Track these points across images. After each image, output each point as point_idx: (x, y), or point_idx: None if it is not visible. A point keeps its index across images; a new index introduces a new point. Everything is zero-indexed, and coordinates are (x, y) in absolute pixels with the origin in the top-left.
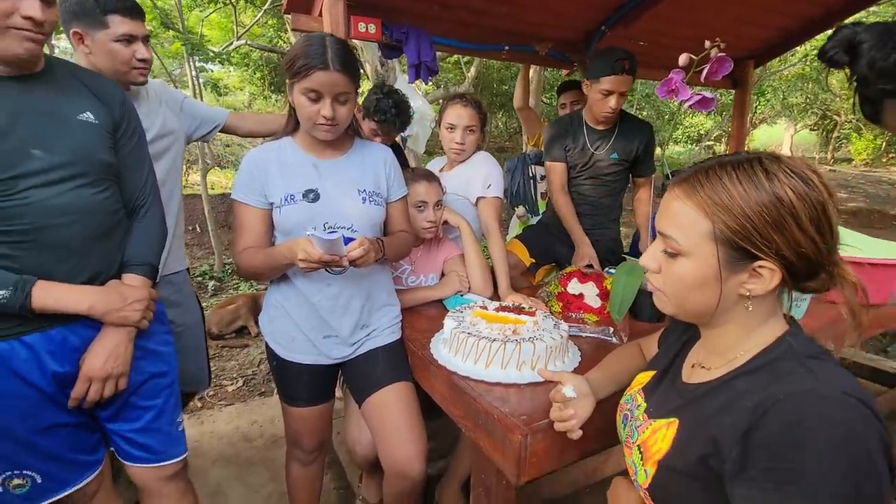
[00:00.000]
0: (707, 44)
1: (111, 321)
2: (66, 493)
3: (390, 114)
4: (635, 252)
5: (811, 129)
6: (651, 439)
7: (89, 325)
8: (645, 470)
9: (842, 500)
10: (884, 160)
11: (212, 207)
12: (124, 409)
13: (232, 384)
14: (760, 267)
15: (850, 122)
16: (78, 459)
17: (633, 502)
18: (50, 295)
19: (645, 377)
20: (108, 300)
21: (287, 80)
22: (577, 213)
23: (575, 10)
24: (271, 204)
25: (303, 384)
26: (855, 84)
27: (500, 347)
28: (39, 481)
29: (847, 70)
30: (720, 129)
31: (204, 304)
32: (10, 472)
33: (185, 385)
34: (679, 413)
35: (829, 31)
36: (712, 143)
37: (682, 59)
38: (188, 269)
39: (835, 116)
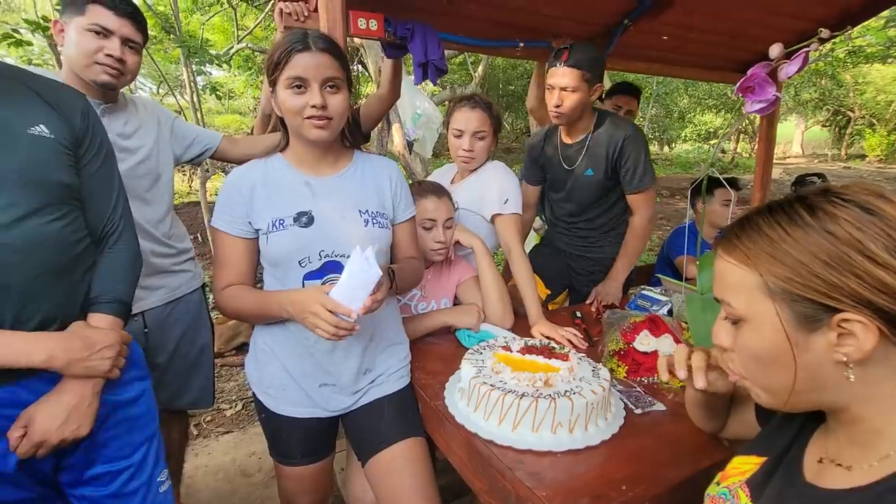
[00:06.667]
0: (824, 32)
1: (74, 373)
2: None
3: None
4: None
5: (823, 126)
6: None
7: (51, 379)
8: None
9: None
10: None
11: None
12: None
13: (230, 408)
14: (844, 321)
15: (864, 117)
16: None
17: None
18: None
19: (746, 463)
20: (71, 348)
21: (270, 87)
22: (565, 232)
23: (596, 1)
24: (257, 231)
25: (296, 440)
26: None
27: (530, 405)
28: None
29: None
30: (729, 128)
31: None
32: None
33: (187, 402)
34: None
35: (868, 22)
36: (720, 140)
37: (775, 49)
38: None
39: (848, 112)
